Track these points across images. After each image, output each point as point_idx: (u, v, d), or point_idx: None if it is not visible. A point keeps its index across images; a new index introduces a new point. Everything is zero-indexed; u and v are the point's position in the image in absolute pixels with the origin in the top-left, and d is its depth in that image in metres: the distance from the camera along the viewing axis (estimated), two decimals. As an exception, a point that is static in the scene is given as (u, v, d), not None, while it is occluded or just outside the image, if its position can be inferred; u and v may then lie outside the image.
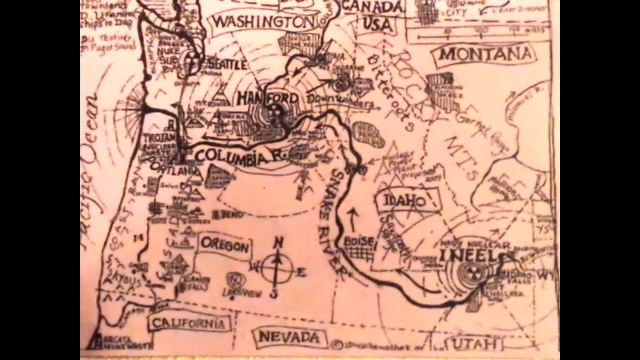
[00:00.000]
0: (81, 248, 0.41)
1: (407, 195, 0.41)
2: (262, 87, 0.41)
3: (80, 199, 0.41)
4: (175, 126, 0.41)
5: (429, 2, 0.42)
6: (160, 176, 0.41)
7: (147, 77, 0.42)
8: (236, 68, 0.41)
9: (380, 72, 0.41)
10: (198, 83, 0.41)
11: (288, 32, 0.42)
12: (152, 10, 0.42)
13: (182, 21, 0.42)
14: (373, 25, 0.42)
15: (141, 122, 0.41)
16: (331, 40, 0.42)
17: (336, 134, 0.41)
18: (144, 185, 0.41)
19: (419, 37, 0.42)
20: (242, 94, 0.42)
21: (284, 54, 0.42)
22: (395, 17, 0.42)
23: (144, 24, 0.42)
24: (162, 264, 0.41)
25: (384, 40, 0.42)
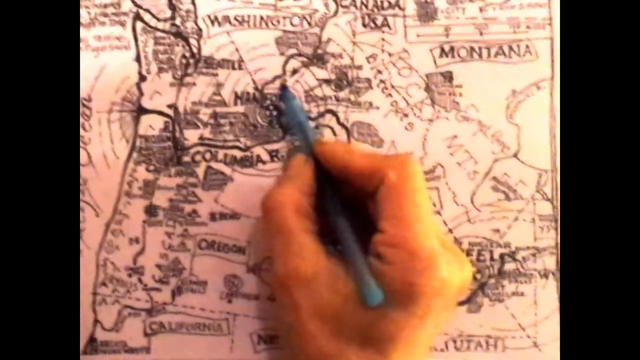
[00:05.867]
0: (77, 251, 0.41)
1: (406, 195, 0.41)
2: (260, 87, 0.41)
3: (76, 201, 0.41)
4: (171, 127, 0.41)
5: (428, -1, 0.41)
6: (157, 178, 0.41)
7: (142, 78, 0.41)
8: (233, 68, 0.41)
9: (379, 71, 0.41)
10: (194, 84, 0.41)
11: (285, 31, 0.41)
12: (147, 10, 0.41)
13: (178, 21, 0.41)
14: (371, 24, 0.41)
15: (136, 124, 0.41)
16: (329, 40, 0.41)
17: (335, 134, 0.41)
18: (139, 188, 0.41)
19: (418, 35, 0.41)
20: (239, 94, 0.41)
21: (282, 54, 0.41)
22: (394, 15, 0.41)
23: (139, 24, 0.41)
24: (159, 267, 0.41)
25: (383, 39, 0.41)
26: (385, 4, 0.41)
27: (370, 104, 0.41)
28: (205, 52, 0.41)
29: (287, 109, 0.40)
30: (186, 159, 0.41)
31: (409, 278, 0.32)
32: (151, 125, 0.41)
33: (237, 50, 0.41)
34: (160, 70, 0.41)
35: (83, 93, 0.41)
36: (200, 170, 0.41)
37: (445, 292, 0.33)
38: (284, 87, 0.41)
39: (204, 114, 0.41)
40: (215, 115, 0.41)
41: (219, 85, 0.41)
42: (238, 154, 0.41)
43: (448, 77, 0.41)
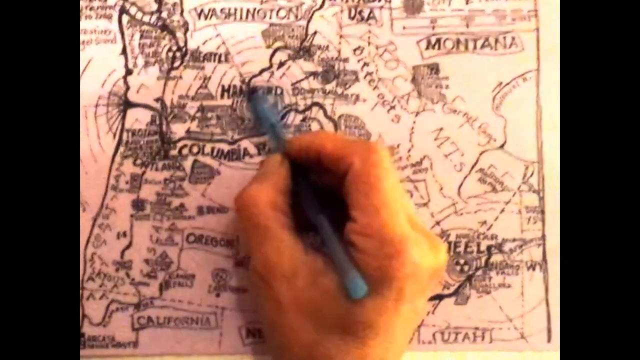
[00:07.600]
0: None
1: (394, 188, 0.41)
2: (246, 80, 0.41)
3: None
4: (158, 121, 0.41)
5: (414, -8, 0.41)
6: (144, 172, 0.41)
7: (129, 72, 0.41)
8: (219, 61, 0.41)
9: (366, 64, 0.41)
10: (181, 77, 0.41)
11: (272, 24, 0.41)
12: (133, 3, 0.41)
13: (164, 14, 0.41)
14: (358, 16, 0.41)
15: (123, 118, 0.41)
16: (316, 32, 0.41)
17: (322, 127, 0.41)
18: (126, 182, 0.41)
19: (404, 27, 0.41)
20: (226, 87, 0.41)
21: (268, 47, 0.41)
22: (381, 7, 0.41)
23: (125, 17, 0.41)
24: (146, 261, 0.41)
25: (369, 32, 0.41)
26: (372, -4, 0.41)
27: (357, 96, 0.41)
28: (191, 45, 0.41)
29: (259, 113, 0.40)
30: (173, 152, 0.41)
31: (381, 264, 0.32)
32: (138, 119, 0.41)
33: (223, 43, 0.41)
34: (147, 63, 0.41)
35: (69, 87, 0.41)
36: (187, 164, 0.41)
37: (418, 275, 0.33)
38: (253, 91, 0.40)
39: (191, 107, 0.41)
40: (202, 109, 0.41)
41: (206, 79, 0.41)
42: (225, 147, 0.41)
43: (434, 69, 0.41)
